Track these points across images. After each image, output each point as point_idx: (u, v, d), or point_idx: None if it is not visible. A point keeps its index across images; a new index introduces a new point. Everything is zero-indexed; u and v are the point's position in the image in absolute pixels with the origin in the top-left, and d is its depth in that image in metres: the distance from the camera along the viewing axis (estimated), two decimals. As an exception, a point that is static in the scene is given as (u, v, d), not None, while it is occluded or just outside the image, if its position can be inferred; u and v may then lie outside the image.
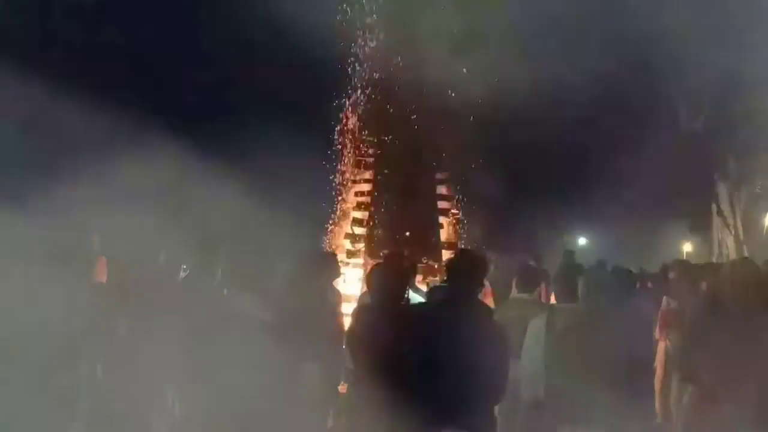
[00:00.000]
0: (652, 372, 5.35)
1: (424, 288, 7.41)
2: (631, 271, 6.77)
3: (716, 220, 22.27)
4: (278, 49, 21.47)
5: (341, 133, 12.00)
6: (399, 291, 3.91)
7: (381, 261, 6.08)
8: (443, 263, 4.05)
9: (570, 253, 9.83)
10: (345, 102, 12.00)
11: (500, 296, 7.85)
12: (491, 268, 9.60)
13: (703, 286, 5.96)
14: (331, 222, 11.91)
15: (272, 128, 20.97)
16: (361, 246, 11.21)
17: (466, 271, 3.43)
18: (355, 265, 10.64)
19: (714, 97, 19.75)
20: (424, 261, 10.30)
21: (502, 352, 3.35)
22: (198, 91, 22.32)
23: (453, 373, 3.16)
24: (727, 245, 21.75)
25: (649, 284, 8.35)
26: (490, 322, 3.46)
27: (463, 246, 11.36)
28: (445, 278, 3.66)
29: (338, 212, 11.90)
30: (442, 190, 11.87)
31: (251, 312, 2.88)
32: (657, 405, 5.92)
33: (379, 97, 11.81)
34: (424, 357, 3.19)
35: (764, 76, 17.32)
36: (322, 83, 11.94)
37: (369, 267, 4.97)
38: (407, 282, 4.17)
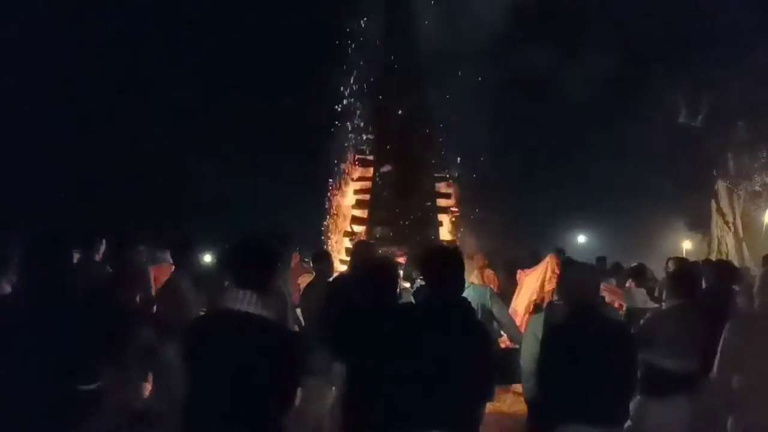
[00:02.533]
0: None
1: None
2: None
3: (715, 218, 22.29)
4: (278, 47, 21.52)
5: (342, 132, 12.03)
6: (389, 292, 3.88)
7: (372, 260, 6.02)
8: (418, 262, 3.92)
9: (560, 252, 9.75)
10: (345, 100, 12.02)
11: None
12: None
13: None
14: (330, 221, 11.93)
15: (272, 126, 21.05)
16: (360, 244, 11.20)
17: (445, 269, 3.40)
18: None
19: (713, 94, 19.75)
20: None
21: (486, 351, 3.33)
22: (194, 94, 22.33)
23: (438, 374, 3.15)
24: (726, 243, 21.77)
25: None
26: (474, 320, 3.44)
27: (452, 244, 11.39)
28: (424, 278, 3.58)
29: (338, 211, 11.92)
30: (441, 187, 11.87)
31: (255, 310, 2.87)
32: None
33: (378, 96, 11.84)
34: (409, 358, 3.19)
35: (764, 73, 17.32)
36: (322, 83, 11.93)
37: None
38: (396, 283, 4.12)
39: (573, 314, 3.71)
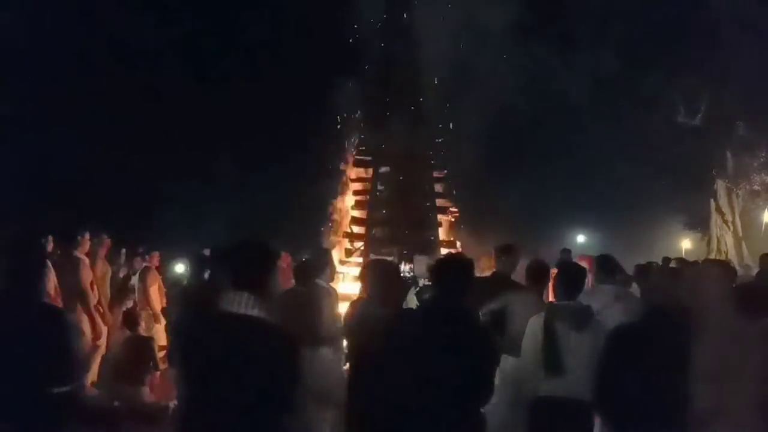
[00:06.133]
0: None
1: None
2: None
3: (715, 217, 22.29)
4: (277, 49, 21.53)
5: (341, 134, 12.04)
6: (398, 295, 3.86)
7: (379, 260, 6.02)
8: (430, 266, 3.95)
9: (566, 252, 9.78)
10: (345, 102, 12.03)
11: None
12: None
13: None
14: (330, 221, 11.94)
15: (271, 127, 21.05)
16: (360, 245, 11.21)
17: (450, 276, 3.40)
18: (354, 264, 10.64)
19: (713, 94, 19.75)
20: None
21: (486, 355, 3.31)
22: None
23: (436, 378, 3.15)
24: (726, 242, 21.77)
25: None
26: (474, 325, 3.42)
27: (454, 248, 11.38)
28: (431, 282, 3.60)
29: (337, 212, 11.92)
30: (440, 188, 11.87)
31: (252, 311, 2.86)
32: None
33: (378, 96, 11.85)
34: (406, 363, 3.18)
35: (764, 73, 17.32)
36: (322, 84, 11.93)
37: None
38: (405, 286, 4.11)
39: (648, 318, 3.62)
